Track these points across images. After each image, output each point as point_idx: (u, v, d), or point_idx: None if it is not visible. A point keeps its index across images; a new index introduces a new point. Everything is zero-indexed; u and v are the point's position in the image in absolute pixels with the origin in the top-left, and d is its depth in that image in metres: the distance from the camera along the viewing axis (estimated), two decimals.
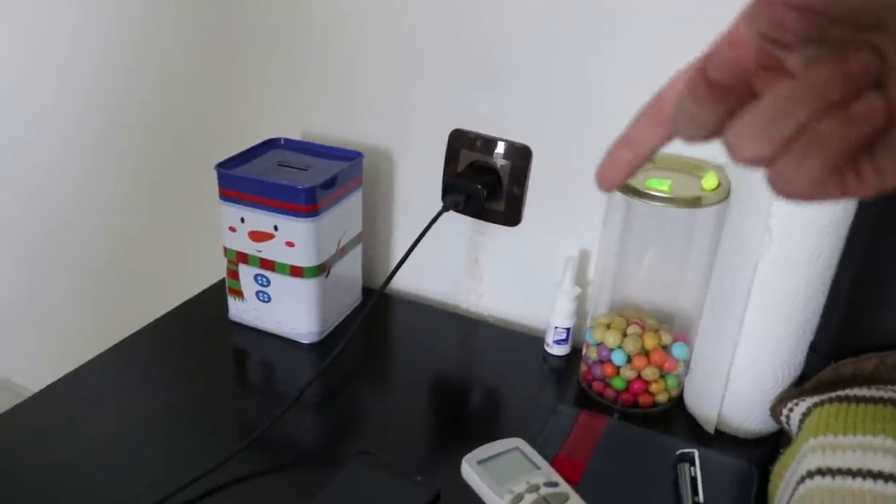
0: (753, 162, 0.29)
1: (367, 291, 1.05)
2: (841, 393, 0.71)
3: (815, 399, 0.72)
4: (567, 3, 0.85)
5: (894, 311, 0.73)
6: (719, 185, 0.77)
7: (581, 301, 0.92)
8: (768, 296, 0.77)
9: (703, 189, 0.77)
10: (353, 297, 1.01)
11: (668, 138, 0.37)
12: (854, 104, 0.29)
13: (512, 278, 1.00)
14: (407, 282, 1.07)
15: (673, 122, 0.33)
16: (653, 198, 0.75)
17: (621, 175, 0.39)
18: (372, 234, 1.06)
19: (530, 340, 0.97)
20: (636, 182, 0.77)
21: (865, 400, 0.69)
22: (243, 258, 0.92)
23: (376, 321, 1.01)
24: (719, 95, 0.32)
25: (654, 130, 0.38)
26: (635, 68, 0.85)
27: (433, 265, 1.04)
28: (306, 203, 0.87)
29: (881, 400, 0.68)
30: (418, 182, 1.01)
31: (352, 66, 0.99)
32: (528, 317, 1.00)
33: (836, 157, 0.29)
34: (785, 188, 0.30)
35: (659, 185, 0.76)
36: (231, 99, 1.09)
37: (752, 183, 0.75)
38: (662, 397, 0.85)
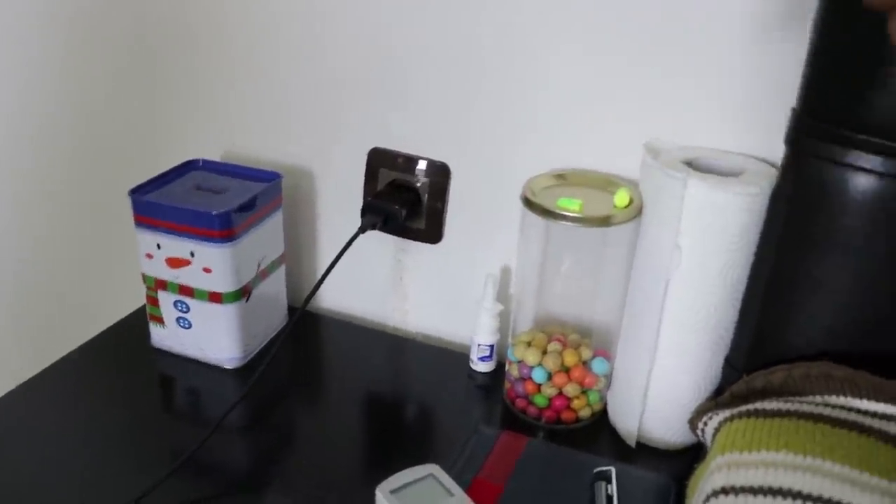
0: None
1: (294, 312, 1.01)
2: (749, 407, 0.70)
3: (726, 413, 0.72)
4: (484, 20, 0.83)
5: (803, 326, 0.73)
6: (631, 202, 0.76)
7: (504, 317, 0.92)
8: (681, 312, 0.76)
9: (614, 206, 0.76)
10: (278, 319, 0.99)
11: None
12: None
13: (436, 295, 0.98)
14: (333, 300, 1.05)
15: None
16: (564, 218, 0.74)
17: None
18: (296, 254, 1.04)
19: (457, 357, 0.95)
20: (548, 202, 0.76)
21: (771, 414, 0.69)
22: (162, 285, 0.90)
23: (303, 341, 0.98)
24: None
25: None
26: (551, 85, 0.84)
27: (358, 284, 1.02)
28: (221, 228, 0.84)
29: (786, 413, 0.68)
30: (340, 201, 0.98)
31: (272, 85, 0.96)
32: (454, 333, 0.99)
33: None
34: None
35: (570, 204, 0.74)
36: (151, 120, 1.06)
37: (661, 200, 0.74)
38: (585, 413, 0.84)
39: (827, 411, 0.68)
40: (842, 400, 0.69)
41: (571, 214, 0.74)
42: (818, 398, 0.70)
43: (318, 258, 1.03)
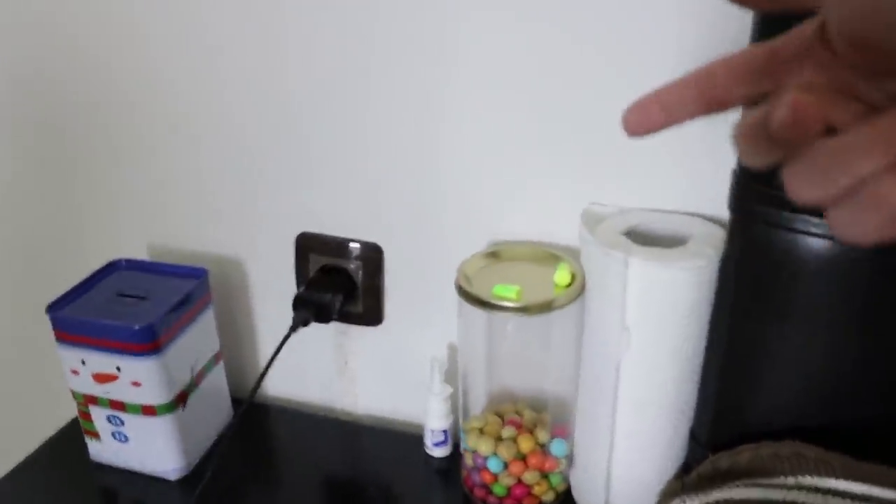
0: (810, 203, 0.27)
1: (240, 403, 0.94)
2: (720, 497, 0.65)
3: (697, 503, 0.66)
4: (403, 95, 0.77)
5: (765, 398, 0.67)
6: (573, 278, 0.70)
7: (456, 397, 0.85)
8: (637, 391, 0.70)
9: (556, 285, 0.70)
10: (222, 417, 0.91)
11: (706, 115, 0.33)
12: None
13: (384, 377, 0.92)
14: (279, 389, 0.98)
15: (714, 106, 0.31)
16: (502, 308, 0.68)
17: (647, 129, 0.35)
18: (236, 346, 0.97)
19: (412, 440, 0.88)
20: (484, 289, 0.70)
21: None
22: (92, 400, 0.82)
23: (251, 436, 0.91)
24: (779, 146, 0.27)
25: (693, 105, 0.33)
26: (479, 153, 0.78)
27: (303, 371, 0.95)
28: (145, 341, 0.77)
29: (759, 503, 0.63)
30: (273, 288, 0.92)
31: (191, 173, 0.89)
32: (408, 413, 0.92)
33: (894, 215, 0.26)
34: (840, 234, 0.27)
35: (507, 292, 0.68)
36: (70, 218, 0.98)
37: (603, 279, 0.68)
38: (548, 497, 0.78)
39: (800, 497, 0.63)
40: (815, 480, 0.64)
41: (510, 305, 0.67)
42: (790, 479, 0.65)
43: (259, 347, 0.97)
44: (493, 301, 0.68)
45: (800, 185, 0.27)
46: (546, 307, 0.67)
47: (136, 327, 0.76)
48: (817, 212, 0.60)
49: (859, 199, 0.26)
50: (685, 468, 0.74)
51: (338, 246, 0.85)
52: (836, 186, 0.26)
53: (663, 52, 0.68)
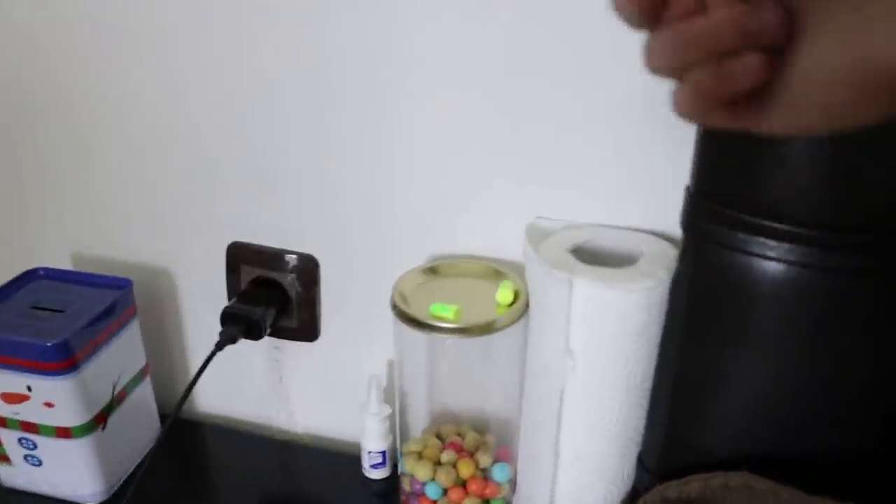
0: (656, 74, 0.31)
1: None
2: None
3: None
4: (342, 97, 0.71)
5: (716, 425, 0.62)
6: (516, 296, 0.65)
7: (395, 417, 0.80)
8: (582, 417, 0.65)
9: (497, 304, 0.65)
10: (148, 435, 0.84)
11: None
12: (729, 61, 0.30)
13: (321, 394, 0.86)
14: (211, 405, 0.92)
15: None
16: (440, 330, 0.63)
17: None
18: (166, 360, 0.90)
19: (350, 460, 0.82)
20: (420, 308, 0.64)
21: None
22: (1, 422, 0.75)
23: (180, 454, 0.85)
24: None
25: None
26: (418, 163, 0.72)
27: (236, 387, 0.89)
28: (59, 359, 0.70)
29: None
30: (203, 299, 0.85)
31: (116, 178, 0.82)
32: (345, 432, 0.87)
33: (710, 101, 0.30)
34: (674, 109, 0.31)
35: (444, 311, 0.63)
36: None
37: (547, 299, 0.63)
38: None
39: None
40: None
41: (447, 325, 0.62)
42: None
43: (189, 360, 0.90)
44: (430, 322, 0.63)
45: (646, 54, 0.31)
46: (486, 329, 0.62)
47: (49, 344, 0.70)
48: (773, 234, 0.57)
49: (685, 79, 0.31)
50: (632, 496, 0.70)
51: (271, 257, 0.79)
52: (670, 64, 0.31)
53: (615, 63, 0.64)
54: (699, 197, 0.58)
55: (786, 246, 0.54)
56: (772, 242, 0.54)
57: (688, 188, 0.59)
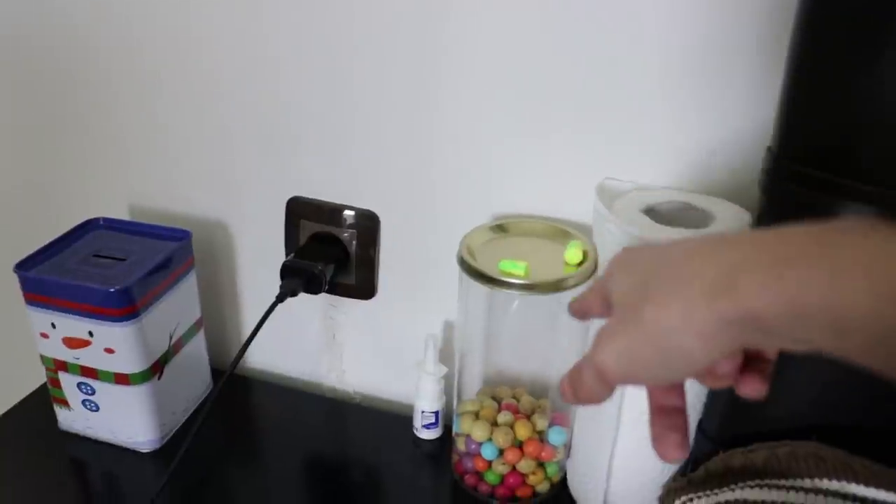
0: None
1: (220, 375, 0.82)
2: (731, 497, 0.58)
3: (705, 502, 0.60)
4: (406, 58, 0.69)
5: (781, 392, 0.60)
6: (585, 257, 0.63)
7: (450, 377, 0.78)
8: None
9: (566, 264, 0.63)
10: (201, 387, 0.84)
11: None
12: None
13: (374, 353, 0.85)
14: (263, 361, 0.90)
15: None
16: (508, 285, 0.61)
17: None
18: (218, 315, 0.89)
19: (400, 421, 0.81)
20: (489, 264, 0.62)
21: None
22: (62, 366, 0.75)
23: (231, 409, 0.84)
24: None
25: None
26: (485, 120, 0.70)
27: (288, 343, 0.88)
28: (121, 306, 0.69)
29: None
30: (260, 254, 0.84)
31: (175, 133, 0.81)
32: (397, 392, 0.85)
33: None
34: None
35: (514, 268, 0.61)
36: (50, 175, 0.90)
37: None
38: (543, 487, 0.71)
39: (819, 502, 0.56)
40: (834, 484, 0.57)
41: (517, 281, 0.60)
42: (807, 481, 0.58)
43: (242, 315, 0.89)
44: (499, 277, 0.61)
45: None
46: (555, 286, 0.60)
47: (111, 290, 0.69)
48: (862, 196, 0.54)
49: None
50: (692, 463, 0.68)
51: (331, 212, 0.78)
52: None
53: (668, 22, 0.62)
54: (781, 156, 0.55)
55: (874, 210, 0.51)
56: (858, 205, 0.52)
57: (769, 148, 0.56)
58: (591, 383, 0.38)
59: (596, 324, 0.42)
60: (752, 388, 0.38)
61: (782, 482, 0.59)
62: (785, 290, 0.30)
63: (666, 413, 0.40)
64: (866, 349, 0.29)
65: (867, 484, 0.57)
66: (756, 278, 0.31)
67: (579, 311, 0.46)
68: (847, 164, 0.52)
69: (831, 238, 0.30)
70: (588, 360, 0.38)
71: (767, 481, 0.60)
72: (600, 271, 0.63)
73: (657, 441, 0.40)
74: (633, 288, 0.37)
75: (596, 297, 0.43)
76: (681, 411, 0.40)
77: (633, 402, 0.64)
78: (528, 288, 0.60)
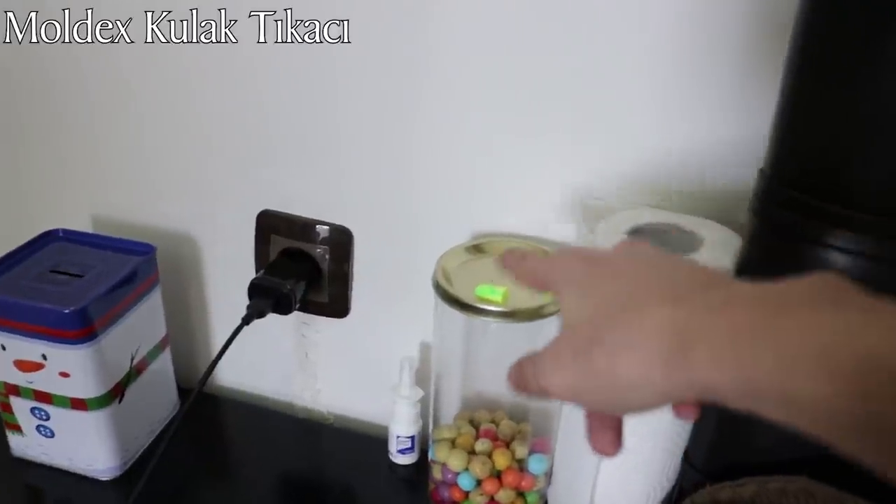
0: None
1: (189, 395, 0.77)
2: None
3: None
4: (380, 69, 0.66)
5: (766, 424, 0.58)
6: None
7: (426, 399, 0.75)
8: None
9: None
10: (166, 409, 0.80)
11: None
12: None
13: (348, 373, 0.81)
14: (234, 380, 0.87)
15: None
16: (485, 313, 0.58)
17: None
18: (186, 331, 0.85)
19: (375, 444, 0.78)
20: (465, 289, 0.59)
21: None
22: (13, 390, 0.71)
23: (199, 431, 0.80)
24: None
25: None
26: (464, 133, 0.67)
27: (260, 362, 0.84)
28: (77, 327, 0.66)
29: None
30: (230, 268, 0.80)
31: (143, 142, 0.77)
32: (372, 414, 0.82)
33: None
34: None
35: (492, 294, 0.58)
36: (9, 187, 0.86)
37: None
38: None
39: None
40: None
41: (494, 309, 0.57)
42: None
43: (212, 331, 0.85)
44: (476, 304, 0.58)
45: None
46: (535, 314, 0.57)
47: (66, 311, 0.65)
48: (855, 226, 0.51)
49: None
50: (678, 493, 0.65)
51: (303, 227, 0.74)
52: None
53: (657, 32, 0.59)
54: (773, 180, 0.53)
55: (869, 239, 0.49)
56: (852, 235, 0.50)
57: (762, 170, 0.54)
58: (534, 393, 0.39)
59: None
60: (685, 413, 0.38)
61: None
62: (736, 366, 0.30)
63: (603, 415, 0.40)
64: (824, 431, 0.28)
65: None
66: (709, 351, 0.30)
67: (512, 271, 0.45)
68: (842, 192, 0.49)
69: (786, 309, 0.30)
70: (533, 376, 0.38)
71: None
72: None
73: (592, 434, 0.40)
74: (586, 315, 0.36)
75: (535, 279, 0.43)
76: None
77: None
78: (507, 315, 0.57)
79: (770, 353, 0.29)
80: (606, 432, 0.39)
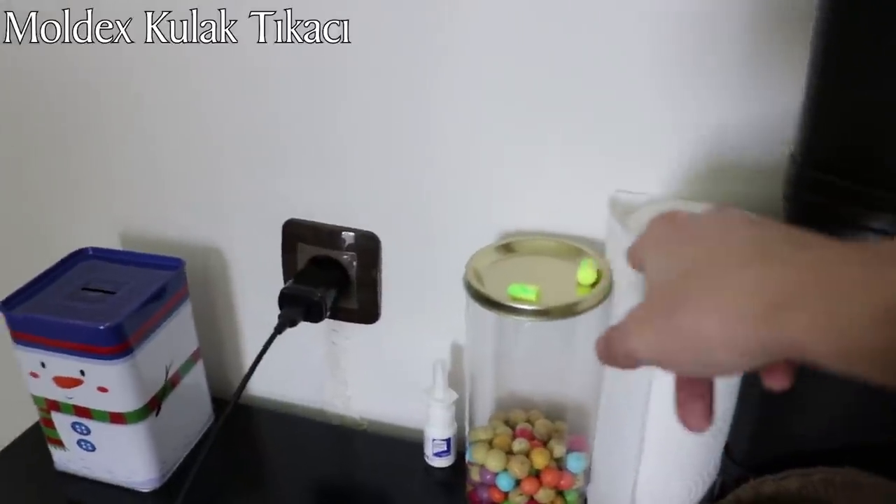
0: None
1: (222, 404, 0.83)
2: None
3: None
4: (397, 73, 0.66)
5: (812, 413, 0.57)
6: (599, 277, 0.60)
7: (461, 402, 0.75)
8: (670, 406, 0.60)
9: (579, 285, 0.60)
10: (201, 421, 0.81)
11: None
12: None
13: (380, 379, 0.82)
14: (266, 389, 0.87)
15: None
16: (518, 312, 0.57)
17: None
18: (216, 344, 0.86)
19: (410, 448, 0.78)
20: (497, 289, 0.59)
21: None
22: (54, 406, 0.72)
23: (235, 440, 0.80)
24: None
25: None
26: (487, 132, 0.67)
27: (292, 371, 0.84)
28: (112, 343, 0.66)
29: None
30: (257, 279, 0.81)
31: (165, 158, 0.78)
32: (406, 418, 0.82)
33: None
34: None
35: (524, 293, 0.58)
36: (37, 209, 0.87)
37: (638, 276, 0.58)
38: None
39: None
40: None
41: (528, 307, 0.57)
42: None
43: (242, 343, 0.86)
44: (508, 303, 0.57)
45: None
46: (569, 311, 0.57)
47: (101, 327, 0.66)
48: (884, 206, 0.51)
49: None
50: (720, 488, 0.65)
51: (329, 234, 0.75)
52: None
53: (680, 31, 0.59)
54: (807, 164, 0.52)
55: None
56: (888, 216, 0.49)
57: (793, 156, 0.53)
58: (621, 361, 0.38)
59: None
60: (777, 381, 0.36)
61: None
62: (831, 326, 0.28)
63: (692, 381, 0.39)
64: None
65: None
66: (802, 311, 0.29)
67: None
68: (875, 173, 0.49)
69: (883, 267, 0.28)
70: (619, 342, 0.38)
71: None
72: (632, 242, 0.60)
73: (681, 408, 0.40)
74: (670, 278, 0.36)
75: (631, 257, 0.43)
76: (708, 381, 0.39)
77: (657, 425, 0.61)
78: (541, 314, 0.57)
79: (868, 311, 0.28)
80: (696, 403, 0.39)
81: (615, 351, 0.38)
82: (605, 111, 0.64)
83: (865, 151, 0.50)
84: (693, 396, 0.39)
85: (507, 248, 0.65)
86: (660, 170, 0.64)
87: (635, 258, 0.42)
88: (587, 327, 0.61)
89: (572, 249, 0.64)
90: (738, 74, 0.59)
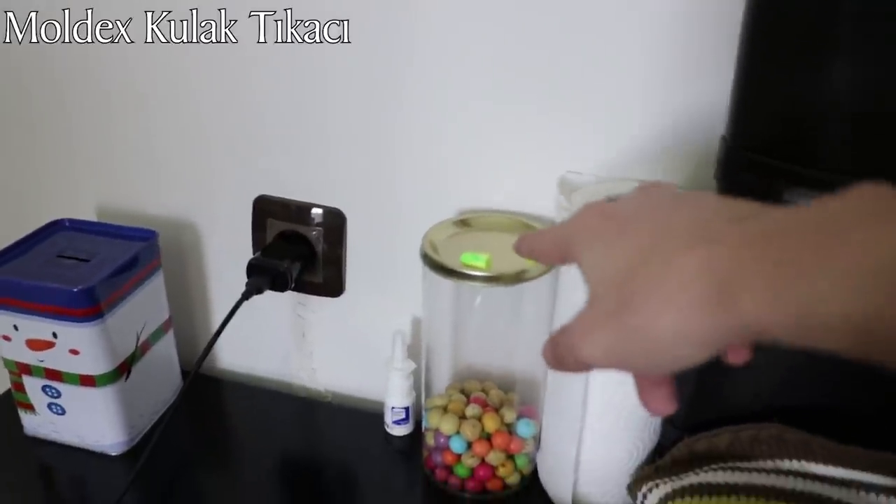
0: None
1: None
2: (695, 481, 0.59)
3: (669, 487, 0.61)
4: (369, 52, 0.70)
5: (744, 377, 0.62)
6: None
7: (419, 373, 0.79)
8: (610, 377, 0.64)
9: None
10: (170, 390, 0.84)
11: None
12: None
13: (344, 351, 0.85)
14: (233, 362, 0.91)
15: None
16: (470, 277, 0.61)
17: None
18: (187, 315, 0.89)
19: (371, 418, 0.81)
20: (451, 257, 0.63)
21: (719, 490, 0.58)
22: (25, 369, 0.74)
23: (201, 410, 0.84)
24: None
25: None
26: (449, 116, 0.71)
27: (258, 342, 0.88)
28: (84, 306, 0.69)
29: (736, 488, 0.58)
30: (229, 253, 0.84)
31: (142, 133, 0.81)
32: (367, 390, 0.85)
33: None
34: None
35: (475, 260, 0.62)
36: (16, 180, 0.90)
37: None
38: (513, 479, 0.72)
39: (780, 482, 0.58)
40: (794, 464, 0.59)
41: (478, 273, 0.61)
42: (769, 462, 0.60)
43: (212, 316, 0.89)
44: (461, 270, 0.62)
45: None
46: (517, 278, 0.61)
47: (74, 290, 0.69)
48: (815, 184, 0.55)
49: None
50: (659, 451, 0.69)
51: (298, 211, 0.78)
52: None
53: (640, 12, 0.63)
54: (735, 145, 0.57)
55: (825, 195, 0.53)
56: (814, 193, 0.53)
57: (723, 137, 0.58)
58: (572, 367, 0.36)
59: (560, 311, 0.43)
60: (739, 356, 0.36)
61: (745, 464, 0.60)
62: (788, 301, 0.27)
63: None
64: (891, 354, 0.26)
65: (826, 462, 0.58)
66: (757, 291, 0.28)
67: (529, 253, 0.43)
68: (801, 152, 0.53)
69: (834, 232, 0.27)
70: (568, 349, 0.35)
71: (731, 464, 0.61)
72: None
73: (644, 394, 0.38)
74: (611, 274, 0.34)
75: (554, 249, 0.40)
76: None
77: (598, 394, 0.65)
78: (491, 280, 0.61)
79: (825, 281, 0.26)
80: (659, 389, 0.38)
81: (565, 359, 0.36)
82: (556, 98, 0.68)
83: (787, 133, 0.54)
84: (654, 384, 0.38)
85: (463, 223, 0.69)
86: (609, 153, 0.69)
87: (561, 250, 0.39)
88: (534, 297, 0.66)
89: (524, 225, 0.68)
90: (682, 64, 0.64)
